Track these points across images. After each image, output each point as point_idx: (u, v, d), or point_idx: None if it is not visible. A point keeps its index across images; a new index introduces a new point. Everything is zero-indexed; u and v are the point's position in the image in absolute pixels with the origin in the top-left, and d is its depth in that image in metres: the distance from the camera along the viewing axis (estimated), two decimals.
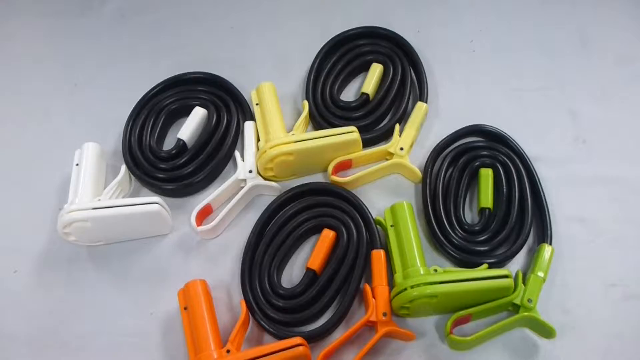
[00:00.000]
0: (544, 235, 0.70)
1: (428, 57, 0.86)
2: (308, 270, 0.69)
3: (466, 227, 0.71)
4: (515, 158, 0.75)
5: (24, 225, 0.78)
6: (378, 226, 0.72)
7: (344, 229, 0.71)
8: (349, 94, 0.86)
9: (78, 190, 0.73)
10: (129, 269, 0.74)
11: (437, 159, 0.77)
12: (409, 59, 0.85)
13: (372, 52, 0.85)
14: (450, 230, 0.70)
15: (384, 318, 0.64)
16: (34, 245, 0.76)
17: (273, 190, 0.77)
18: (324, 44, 0.86)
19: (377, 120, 0.80)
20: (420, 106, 0.79)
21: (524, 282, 0.66)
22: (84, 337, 0.70)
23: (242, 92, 0.84)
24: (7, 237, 0.78)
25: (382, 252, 0.69)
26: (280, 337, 0.66)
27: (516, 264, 0.70)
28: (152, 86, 0.85)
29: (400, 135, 0.77)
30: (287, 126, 0.80)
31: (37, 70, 0.94)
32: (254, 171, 0.76)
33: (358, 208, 0.72)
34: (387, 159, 0.77)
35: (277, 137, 0.76)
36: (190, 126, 0.79)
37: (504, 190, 0.73)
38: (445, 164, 0.75)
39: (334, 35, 0.87)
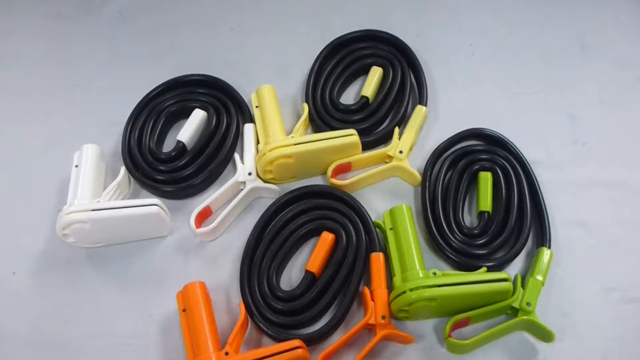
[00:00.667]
0: (542, 238, 0.70)
1: (427, 60, 0.86)
2: (307, 272, 0.69)
3: (465, 230, 0.71)
4: (515, 161, 0.75)
5: (22, 226, 0.78)
6: (377, 229, 0.72)
7: (343, 232, 0.71)
8: (348, 97, 0.86)
9: (77, 192, 0.73)
10: (127, 271, 0.74)
11: (436, 162, 0.77)
12: (409, 62, 0.85)
13: (371, 56, 0.85)
14: (449, 234, 0.71)
15: (382, 321, 0.64)
16: (32, 247, 0.76)
17: (272, 192, 0.77)
18: (323, 46, 0.86)
19: (377, 123, 0.80)
20: (420, 109, 0.79)
21: (523, 286, 0.66)
22: (83, 338, 0.70)
23: (242, 94, 0.84)
24: (6, 238, 0.78)
25: (381, 255, 0.69)
26: (279, 340, 0.65)
27: (515, 267, 0.70)
28: (152, 88, 0.85)
29: (399, 139, 0.77)
30: (286, 129, 0.80)
31: (37, 71, 0.94)
32: (254, 173, 0.76)
33: (357, 211, 0.73)
34: (386, 162, 0.77)
35: (276, 139, 0.76)
36: (189, 128, 0.79)
37: (503, 193, 0.73)
38: (445, 167, 0.75)
39: (334, 38, 0.87)
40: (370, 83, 0.82)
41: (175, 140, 0.79)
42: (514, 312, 0.65)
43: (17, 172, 0.83)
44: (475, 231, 0.71)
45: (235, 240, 0.75)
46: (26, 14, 1.01)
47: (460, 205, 0.74)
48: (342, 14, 0.94)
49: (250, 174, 0.76)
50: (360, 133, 0.76)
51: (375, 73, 0.83)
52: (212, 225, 0.73)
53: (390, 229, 0.70)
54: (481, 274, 0.65)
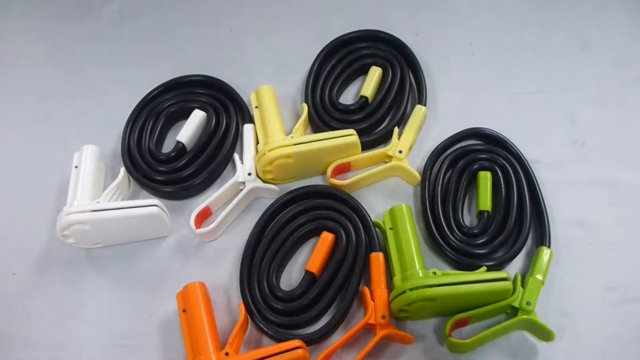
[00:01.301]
0: (542, 238, 0.70)
1: (427, 60, 0.86)
2: (307, 272, 0.69)
3: (465, 229, 0.71)
4: (514, 161, 0.75)
5: (22, 227, 0.78)
6: (377, 229, 0.72)
7: (342, 232, 0.71)
8: (347, 97, 0.86)
9: (77, 193, 0.73)
10: (127, 272, 0.74)
11: (435, 161, 0.77)
12: (408, 62, 0.85)
13: (371, 56, 0.85)
14: (449, 233, 0.71)
15: (382, 321, 0.64)
16: (32, 248, 0.76)
17: (272, 192, 0.77)
18: (323, 47, 0.86)
19: (376, 123, 0.80)
20: (419, 109, 0.79)
21: (523, 285, 0.66)
22: (83, 339, 0.70)
23: (241, 94, 0.84)
24: (5, 239, 0.78)
25: (380, 254, 0.69)
26: (279, 340, 0.65)
27: (515, 266, 0.70)
28: (151, 88, 0.85)
29: (399, 138, 0.77)
30: (286, 129, 0.80)
31: (36, 72, 0.94)
32: (253, 174, 0.76)
33: (357, 211, 0.73)
34: (385, 162, 0.77)
35: (276, 139, 0.76)
36: (189, 129, 0.80)
37: (503, 193, 0.73)
38: (444, 167, 0.75)
39: (333, 38, 0.87)
40: (370, 83, 0.82)
41: (174, 140, 0.79)
42: (514, 311, 0.65)
43: (17, 173, 0.83)
44: (475, 231, 0.71)
45: (235, 241, 0.75)
46: (26, 16, 1.02)
47: (459, 204, 0.74)
48: (342, 14, 0.94)
49: (249, 174, 0.76)
50: (360, 133, 0.76)
51: (375, 73, 0.83)
52: (211, 226, 0.73)
53: (390, 228, 0.70)
54: (481, 274, 0.65)
